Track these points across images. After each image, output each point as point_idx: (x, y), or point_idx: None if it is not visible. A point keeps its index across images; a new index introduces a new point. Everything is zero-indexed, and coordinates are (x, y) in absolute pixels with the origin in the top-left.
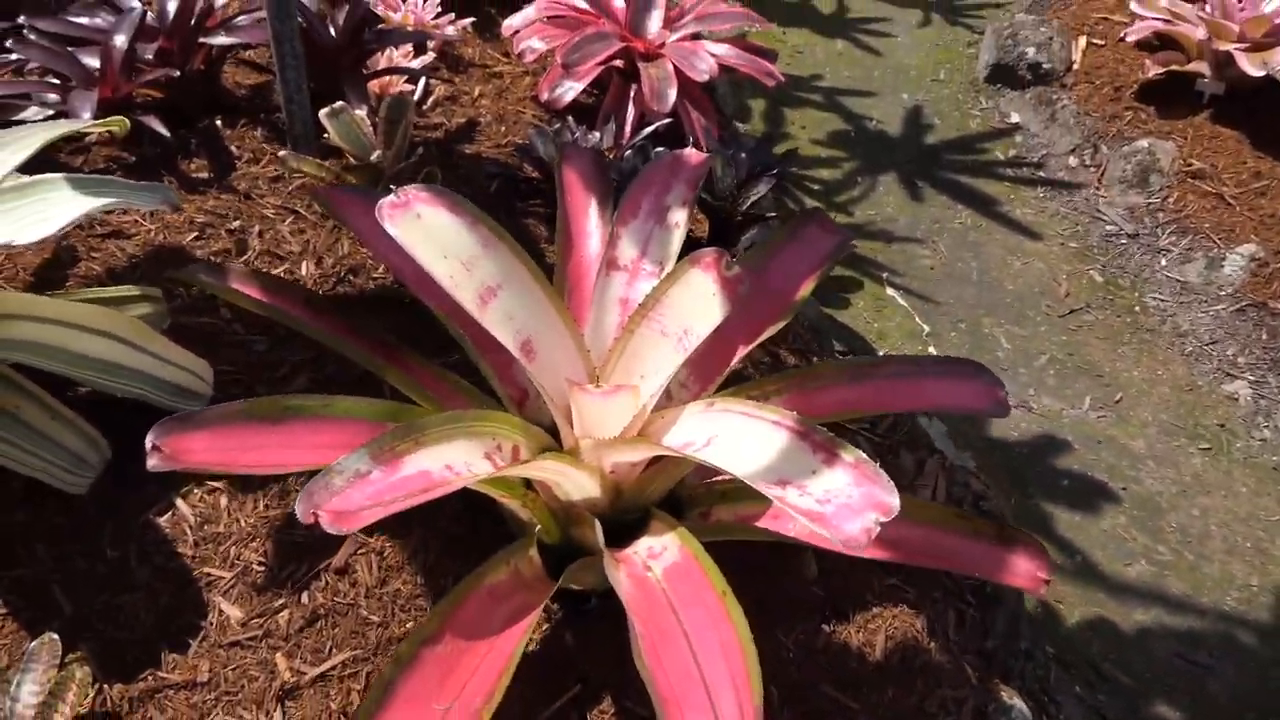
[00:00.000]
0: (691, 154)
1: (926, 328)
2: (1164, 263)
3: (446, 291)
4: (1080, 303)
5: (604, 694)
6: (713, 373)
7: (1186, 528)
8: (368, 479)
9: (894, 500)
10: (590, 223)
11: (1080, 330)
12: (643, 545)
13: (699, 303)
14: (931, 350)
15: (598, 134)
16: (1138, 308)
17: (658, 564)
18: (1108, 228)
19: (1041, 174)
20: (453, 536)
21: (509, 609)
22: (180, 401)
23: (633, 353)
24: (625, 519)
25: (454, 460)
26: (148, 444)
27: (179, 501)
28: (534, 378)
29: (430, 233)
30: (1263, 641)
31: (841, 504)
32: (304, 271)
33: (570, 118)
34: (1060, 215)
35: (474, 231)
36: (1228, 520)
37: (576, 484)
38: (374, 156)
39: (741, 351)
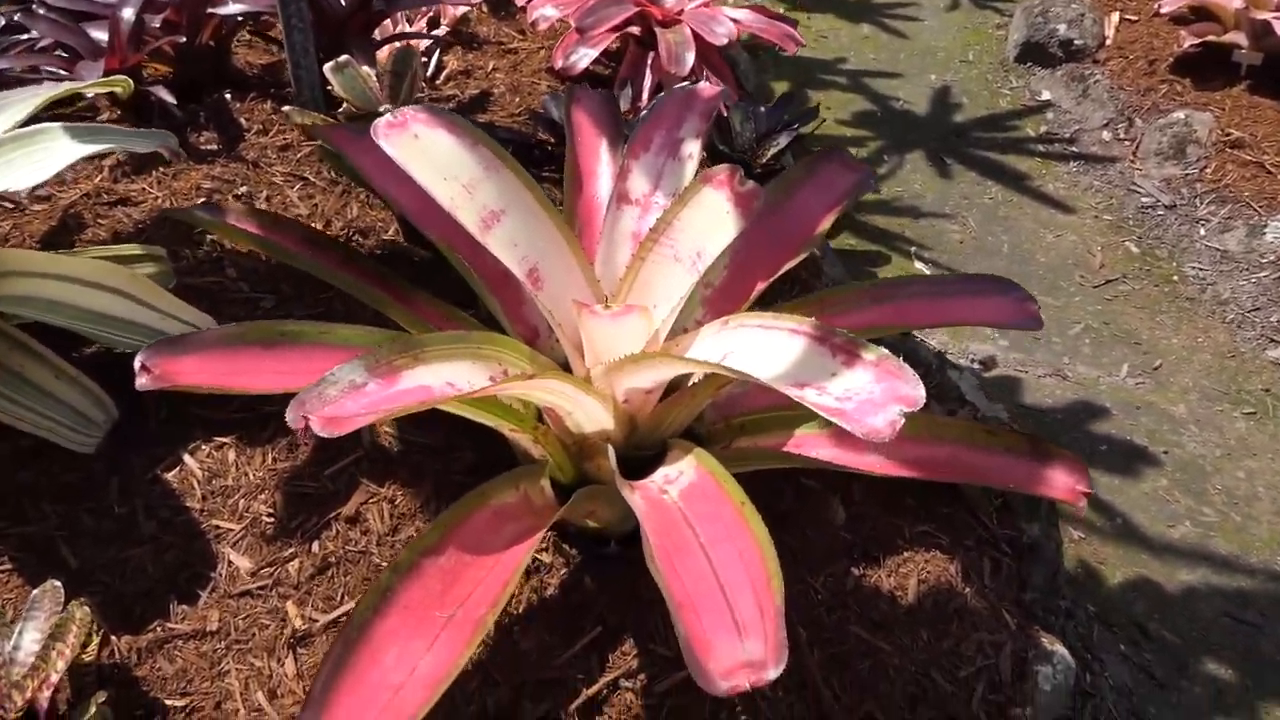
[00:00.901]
0: (705, 87)
1: None
2: (1203, 232)
3: (447, 212)
4: (1116, 273)
5: (624, 637)
6: (730, 308)
7: (1232, 490)
8: (363, 390)
9: (918, 392)
10: (600, 162)
11: (1116, 300)
12: (659, 474)
13: (712, 222)
14: None
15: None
16: (1176, 277)
17: (674, 487)
18: (1143, 200)
19: (1074, 149)
20: (467, 487)
21: (516, 530)
22: None
23: (644, 281)
24: (641, 454)
25: (456, 379)
26: (136, 364)
27: (186, 457)
28: (542, 305)
29: (428, 153)
30: None
31: (863, 400)
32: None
33: (585, 85)
34: (1094, 189)
35: (474, 153)
36: (1276, 482)
37: (588, 413)
38: (380, 109)
39: (760, 287)
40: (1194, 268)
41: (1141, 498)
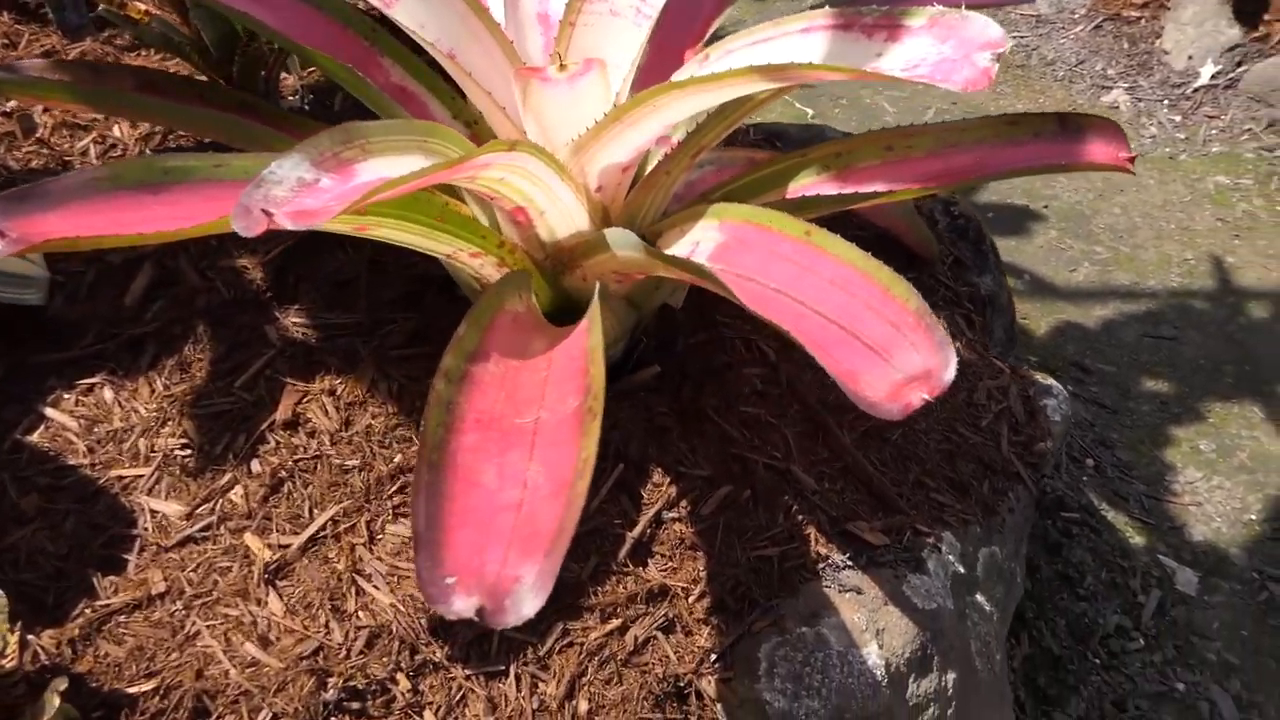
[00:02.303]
0: None
1: (810, 111)
2: None
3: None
4: None
5: (650, 468)
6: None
7: (1114, 226)
8: (317, 186)
9: (998, 32)
10: None
11: None
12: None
13: None
14: None
15: None
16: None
17: (698, 258)
18: None
19: None
20: (413, 358)
21: (541, 340)
22: (17, 290)
23: (580, 49)
24: None
25: (416, 170)
26: None
27: (49, 411)
28: (476, 86)
29: None
30: (1215, 304)
31: (936, 62)
32: (117, 134)
33: None
34: None
35: None
36: (1148, 210)
37: (564, 209)
38: None
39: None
40: (1015, 37)
41: (1039, 251)
